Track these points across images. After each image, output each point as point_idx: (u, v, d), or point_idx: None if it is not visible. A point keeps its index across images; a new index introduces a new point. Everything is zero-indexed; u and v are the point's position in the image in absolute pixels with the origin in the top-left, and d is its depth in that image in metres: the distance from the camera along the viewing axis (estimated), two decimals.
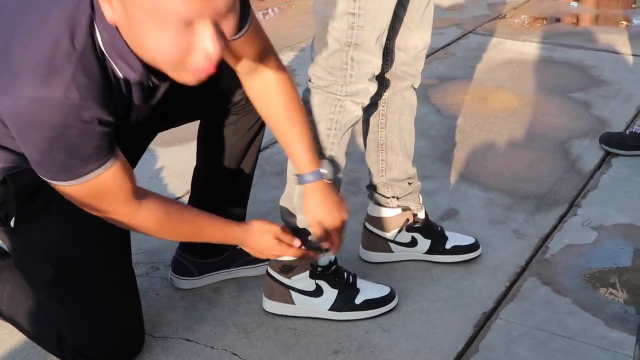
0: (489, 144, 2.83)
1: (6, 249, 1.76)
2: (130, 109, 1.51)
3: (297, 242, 1.74)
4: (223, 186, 1.94)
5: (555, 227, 2.28)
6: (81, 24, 1.32)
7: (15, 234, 1.66)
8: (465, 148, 2.79)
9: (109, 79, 1.39)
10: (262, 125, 1.90)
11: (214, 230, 1.67)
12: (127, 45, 1.31)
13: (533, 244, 2.20)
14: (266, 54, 1.63)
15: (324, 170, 1.71)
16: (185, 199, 2.05)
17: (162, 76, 1.35)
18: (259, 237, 1.70)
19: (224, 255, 2.01)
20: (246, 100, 1.80)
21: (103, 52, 1.35)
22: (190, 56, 1.22)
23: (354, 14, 1.66)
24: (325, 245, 1.76)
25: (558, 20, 4.41)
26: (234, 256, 2.02)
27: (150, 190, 1.56)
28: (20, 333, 1.82)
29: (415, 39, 1.89)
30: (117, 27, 1.28)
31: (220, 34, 1.21)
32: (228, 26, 1.23)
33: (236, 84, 1.72)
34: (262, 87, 1.67)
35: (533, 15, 4.47)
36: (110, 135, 1.41)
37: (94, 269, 1.65)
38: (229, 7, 1.20)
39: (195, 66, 1.24)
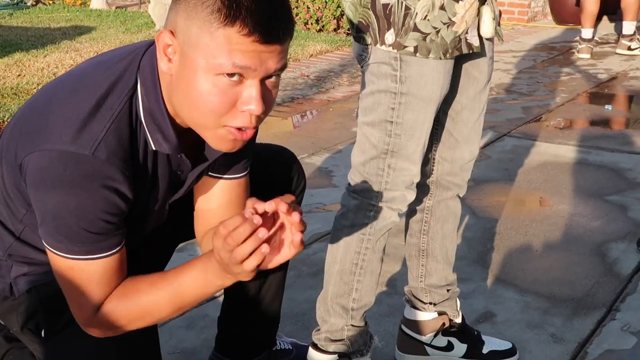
0: (525, 246, 2.83)
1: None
2: (153, 192, 1.49)
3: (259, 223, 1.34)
4: (255, 295, 1.89)
5: (593, 332, 2.25)
6: (123, 88, 1.37)
7: (47, 344, 1.65)
8: (501, 250, 2.79)
9: (138, 149, 1.40)
10: None
11: (189, 285, 1.45)
12: (167, 113, 1.36)
13: (571, 349, 2.17)
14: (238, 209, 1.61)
15: None
16: (221, 300, 2.06)
17: (192, 155, 1.42)
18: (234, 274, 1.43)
19: (262, 355, 2.01)
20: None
21: (140, 120, 1.38)
22: (233, 114, 1.31)
23: (392, 122, 1.70)
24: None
25: (593, 123, 4.44)
26: (271, 357, 2.02)
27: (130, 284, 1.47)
28: None
29: (463, 151, 1.90)
30: (160, 90, 1.35)
31: (262, 96, 1.31)
32: (269, 97, 1.33)
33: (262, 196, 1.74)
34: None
35: (568, 118, 4.52)
36: (121, 218, 1.40)
37: None
38: (277, 68, 1.30)
39: (235, 127, 1.32)
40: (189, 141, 1.46)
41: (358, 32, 1.70)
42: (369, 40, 1.68)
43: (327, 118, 4.63)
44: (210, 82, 1.29)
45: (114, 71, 1.40)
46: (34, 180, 1.36)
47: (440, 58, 1.65)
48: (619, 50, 6.20)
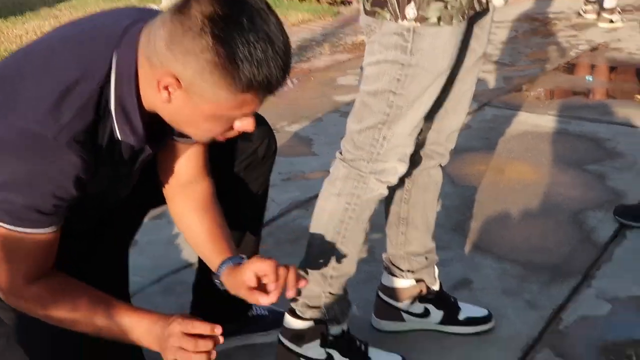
0: (503, 214, 2.83)
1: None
2: (113, 173, 1.49)
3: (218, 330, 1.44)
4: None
5: (569, 299, 2.27)
6: (95, 77, 1.36)
7: (12, 310, 1.61)
8: (479, 218, 2.80)
9: (103, 137, 1.40)
10: (265, 195, 1.92)
11: (138, 329, 1.47)
12: (139, 109, 1.37)
13: (546, 315, 2.18)
14: (206, 165, 1.68)
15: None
16: (197, 266, 2.06)
17: (157, 145, 1.45)
18: (154, 328, 1.48)
19: (238, 320, 2.01)
20: (243, 177, 1.83)
21: (109, 110, 1.38)
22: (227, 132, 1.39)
23: (395, 93, 1.67)
24: (263, 299, 1.49)
25: (573, 93, 4.45)
26: (247, 322, 2.02)
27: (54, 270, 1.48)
28: None
29: (451, 120, 1.90)
30: (137, 87, 1.36)
31: None
32: None
33: (230, 162, 1.77)
34: (187, 205, 1.67)
35: (548, 88, 4.52)
36: (72, 202, 1.40)
37: (95, 350, 1.59)
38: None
39: (224, 138, 1.40)
40: (153, 126, 1.45)
41: (373, 6, 1.65)
42: (387, 16, 1.63)
43: (309, 87, 4.61)
44: (216, 122, 1.36)
45: (86, 54, 1.38)
46: None
47: (460, 21, 1.63)
48: (600, 25, 6.21)
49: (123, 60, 1.37)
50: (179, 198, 1.67)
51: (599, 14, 6.39)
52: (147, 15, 1.43)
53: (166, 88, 1.31)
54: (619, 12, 6.19)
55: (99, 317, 1.49)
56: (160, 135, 1.51)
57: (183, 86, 1.30)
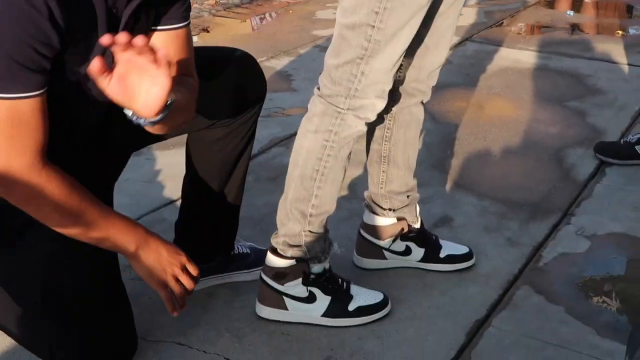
0: (484, 151, 2.84)
1: None
2: (91, 32, 1.43)
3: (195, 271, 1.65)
4: (213, 200, 1.91)
5: (548, 236, 2.29)
6: None
7: (1, 255, 1.64)
8: (460, 156, 2.80)
9: None
10: (252, 136, 1.89)
11: (115, 219, 1.55)
12: None
13: (526, 253, 2.20)
14: (190, 64, 1.63)
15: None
16: (178, 204, 2.05)
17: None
18: (164, 244, 1.61)
19: (218, 260, 2.01)
20: (234, 115, 1.79)
21: None
22: None
23: (374, 26, 1.63)
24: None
25: (554, 28, 4.42)
26: (229, 261, 2.02)
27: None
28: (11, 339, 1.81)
29: (432, 57, 1.87)
30: None
31: None
32: None
33: (220, 101, 1.71)
34: None
35: (529, 23, 4.49)
36: (52, 58, 1.35)
37: (83, 287, 1.62)
38: None
39: None
40: None
41: None
42: None
43: (287, 21, 4.54)
44: None
45: None
46: None
47: None
48: None
49: None
50: None
51: None
52: None
53: None
54: None
55: (102, 212, 1.52)
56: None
57: None
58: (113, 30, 1.43)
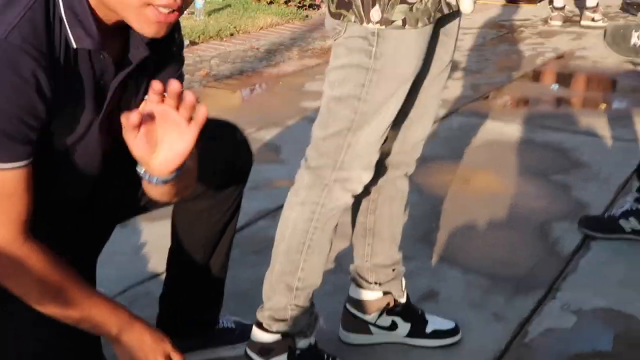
0: (469, 225, 2.85)
1: None
2: (77, 103, 1.43)
3: None
4: (197, 272, 1.90)
5: (534, 311, 2.29)
6: None
7: None
8: (445, 229, 2.81)
9: (58, 47, 1.35)
10: (237, 208, 1.90)
11: (99, 301, 1.51)
12: (89, 7, 1.33)
13: (512, 328, 2.20)
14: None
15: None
16: (163, 277, 2.04)
17: (115, 58, 1.40)
18: (149, 330, 1.56)
19: (203, 334, 2.00)
20: (220, 187, 1.80)
21: (60, 16, 1.34)
22: None
23: (360, 99, 1.65)
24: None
25: (539, 102, 4.49)
26: (213, 335, 2.01)
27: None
28: None
29: (416, 129, 1.88)
30: None
31: None
32: None
33: (207, 173, 1.72)
34: None
35: (515, 96, 4.56)
36: (39, 128, 1.35)
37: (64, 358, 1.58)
38: None
39: (160, 4, 1.29)
40: (113, 44, 1.41)
41: (338, 8, 1.64)
42: (352, 18, 1.61)
43: (276, 92, 4.60)
44: None
45: None
46: None
47: (426, 24, 1.62)
48: (583, 22, 6.42)
49: None
50: None
51: (581, 15, 6.58)
52: None
53: None
54: (601, 12, 6.40)
55: (84, 291, 1.48)
56: (120, 59, 1.46)
57: None
58: (100, 101, 1.45)
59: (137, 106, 1.42)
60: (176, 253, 1.93)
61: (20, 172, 1.36)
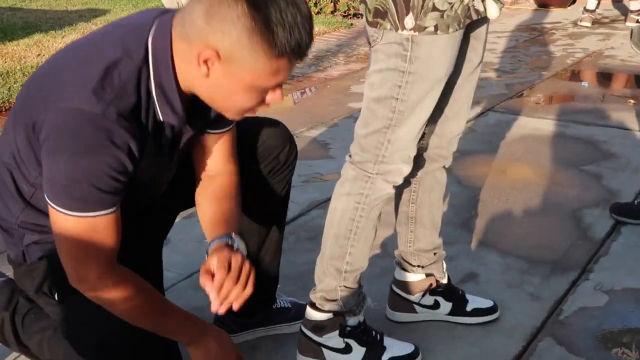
0: (506, 212, 2.82)
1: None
2: (158, 154, 1.51)
3: None
4: (254, 256, 1.90)
5: (568, 291, 2.26)
6: (133, 60, 1.37)
7: (60, 306, 1.66)
8: (484, 216, 2.79)
9: (147, 117, 1.41)
10: (287, 195, 1.92)
11: (176, 314, 1.59)
12: (178, 90, 1.39)
13: (548, 307, 2.17)
14: (232, 152, 1.70)
15: (234, 244, 1.55)
16: None
17: (194, 124, 1.49)
18: (218, 340, 1.62)
19: (263, 313, 2.01)
20: (267, 177, 1.84)
21: (150, 92, 1.39)
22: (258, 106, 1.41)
23: (397, 99, 1.66)
24: (207, 286, 1.48)
25: (570, 99, 4.42)
26: (272, 314, 2.02)
27: (126, 268, 1.52)
28: None
29: (452, 126, 1.88)
30: (173, 69, 1.38)
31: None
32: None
33: (256, 164, 1.78)
34: (205, 193, 1.69)
35: (547, 94, 4.50)
36: (127, 180, 1.40)
37: (135, 338, 1.60)
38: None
39: (254, 112, 1.43)
40: (192, 109, 1.48)
41: (375, 17, 1.65)
42: (388, 26, 1.62)
43: (325, 95, 4.61)
44: (251, 93, 1.37)
45: (124, 41, 1.39)
46: (47, 136, 1.36)
47: (456, 30, 1.62)
48: (627, 24, 6.46)
49: (158, 44, 1.38)
50: (202, 186, 1.69)
51: (626, 17, 6.67)
52: (173, 11, 1.44)
53: (205, 62, 1.32)
54: None
55: (165, 308, 1.57)
56: (198, 119, 1.53)
57: (222, 57, 1.31)
58: (174, 147, 1.55)
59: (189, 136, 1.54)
60: None
61: (111, 216, 1.42)
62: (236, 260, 1.47)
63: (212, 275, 1.45)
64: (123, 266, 1.50)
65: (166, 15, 1.42)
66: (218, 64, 1.32)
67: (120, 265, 1.49)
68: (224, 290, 1.44)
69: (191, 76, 1.38)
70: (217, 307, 1.43)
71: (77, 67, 1.38)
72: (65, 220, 1.39)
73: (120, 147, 1.35)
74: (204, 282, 1.44)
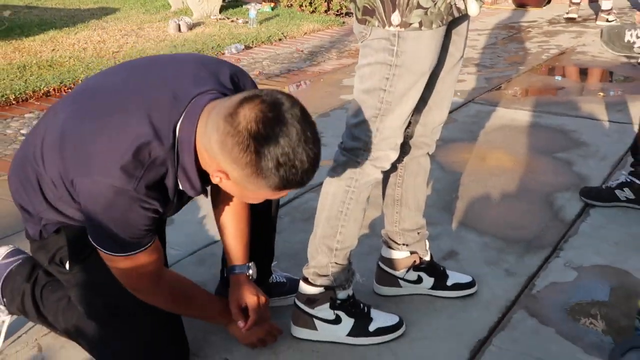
0: (485, 196, 2.83)
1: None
2: (176, 203, 1.60)
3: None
4: (252, 235, 1.90)
5: (540, 268, 2.27)
6: (164, 145, 1.43)
7: (70, 274, 1.70)
8: (464, 199, 2.79)
9: (170, 185, 1.50)
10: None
11: (212, 304, 1.78)
12: (198, 171, 1.47)
13: (521, 282, 2.18)
14: None
15: (251, 269, 1.82)
16: None
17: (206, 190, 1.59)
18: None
19: (260, 287, 2.01)
20: None
21: (176, 172, 1.47)
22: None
23: (385, 90, 1.66)
24: (240, 324, 1.79)
25: (544, 91, 4.42)
26: (268, 288, 2.03)
27: (170, 270, 1.69)
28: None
29: (435, 116, 1.88)
30: (195, 156, 1.46)
31: None
32: None
33: None
34: (226, 211, 1.80)
35: (523, 87, 4.50)
36: (157, 222, 1.50)
37: (139, 304, 1.65)
38: None
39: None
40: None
41: (364, 15, 1.65)
42: (375, 22, 1.62)
43: (318, 87, 4.60)
44: (258, 199, 1.48)
45: (156, 121, 1.43)
46: (86, 201, 1.44)
47: (439, 26, 1.62)
48: (598, 22, 6.45)
49: (184, 134, 1.44)
50: (223, 206, 1.78)
51: (596, 16, 6.62)
52: (205, 93, 1.47)
53: (218, 175, 1.40)
54: (615, 13, 6.40)
55: (204, 301, 1.75)
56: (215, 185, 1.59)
57: (231, 179, 1.39)
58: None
59: None
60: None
61: (148, 250, 1.53)
62: (262, 303, 1.79)
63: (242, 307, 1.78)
64: (167, 270, 1.65)
65: (200, 101, 1.45)
66: (228, 181, 1.40)
67: (166, 272, 1.63)
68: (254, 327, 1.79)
69: (208, 169, 1.45)
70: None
71: (110, 135, 1.42)
72: (112, 259, 1.53)
73: (149, 210, 1.45)
74: (237, 317, 1.78)
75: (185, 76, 1.50)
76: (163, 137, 1.42)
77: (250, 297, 1.77)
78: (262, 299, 1.79)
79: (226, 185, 1.43)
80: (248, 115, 1.31)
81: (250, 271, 1.81)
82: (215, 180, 1.42)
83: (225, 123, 1.33)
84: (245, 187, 1.39)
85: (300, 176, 1.36)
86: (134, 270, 1.53)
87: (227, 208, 1.78)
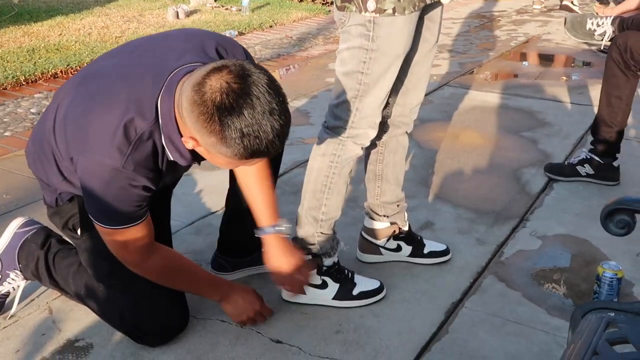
0: (458, 171, 2.82)
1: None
2: (169, 174, 1.55)
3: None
4: (248, 207, 1.90)
5: (508, 237, 2.27)
6: (145, 119, 1.39)
7: (81, 240, 1.69)
8: (439, 174, 2.78)
9: (160, 159, 1.45)
10: (279, 160, 1.89)
11: (204, 280, 1.71)
12: (183, 142, 1.40)
13: (491, 250, 2.18)
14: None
15: (280, 227, 1.73)
16: (221, 212, 2.04)
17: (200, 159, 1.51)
18: (242, 295, 1.74)
19: (253, 255, 2.00)
20: None
21: (163, 144, 1.42)
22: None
23: (363, 72, 1.64)
24: (286, 288, 1.77)
25: (513, 75, 4.41)
26: (258, 256, 2.01)
27: (163, 246, 1.61)
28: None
29: (412, 97, 1.86)
30: (177, 127, 1.40)
31: None
32: None
33: None
34: (247, 172, 1.73)
35: (494, 71, 4.47)
36: (148, 199, 1.46)
37: None
38: None
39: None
40: None
41: (343, 2, 1.62)
42: (353, 8, 1.60)
43: (306, 71, 4.55)
44: (231, 166, 1.46)
45: (139, 97, 1.40)
46: (81, 176, 1.42)
47: (412, 12, 1.59)
48: (564, 2, 6.39)
49: (165, 107, 1.39)
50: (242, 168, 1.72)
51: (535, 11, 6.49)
52: (183, 65, 1.42)
53: (190, 141, 1.34)
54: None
55: (195, 275, 1.69)
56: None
57: (202, 146, 1.33)
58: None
59: None
60: (233, 192, 1.93)
61: (139, 225, 1.49)
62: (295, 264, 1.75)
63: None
64: (160, 247, 1.58)
65: (178, 74, 1.40)
66: (199, 147, 1.34)
67: (156, 247, 1.57)
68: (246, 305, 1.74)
69: (185, 136, 1.38)
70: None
71: (100, 115, 1.39)
72: (104, 231, 1.51)
73: (138, 187, 1.41)
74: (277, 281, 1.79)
75: (171, 51, 1.46)
76: (146, 112, 1.38)
77: (286, 263, 1.74)
78: (295, 260, 1.74)
79: (200, 151, 1.37)
80: (214, 85, 1.24)
81: (284, 230, 1.73)
82: (188, 145, 1.36)
83: (192, 92, 1.28)
84: (214, 154, 1.33)
85: (265, 146, 1.27)
86: (125, 243, 1.51)
87: (247, 169, 1.71)
